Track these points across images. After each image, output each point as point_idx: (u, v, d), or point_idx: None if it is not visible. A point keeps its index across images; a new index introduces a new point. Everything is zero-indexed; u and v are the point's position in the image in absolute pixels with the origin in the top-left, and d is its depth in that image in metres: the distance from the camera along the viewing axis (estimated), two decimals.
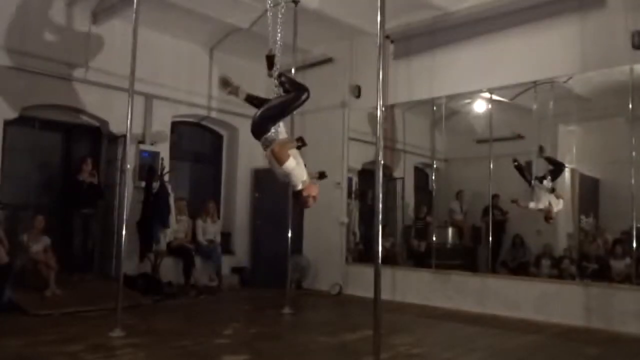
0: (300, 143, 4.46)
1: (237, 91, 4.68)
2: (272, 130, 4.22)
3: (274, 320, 6.42)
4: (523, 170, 7.56)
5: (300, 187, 4.19)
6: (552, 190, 7.32)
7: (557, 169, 7.44)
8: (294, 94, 4.32)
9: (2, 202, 7.00)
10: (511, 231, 8.31)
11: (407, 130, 9.41)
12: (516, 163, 7.59)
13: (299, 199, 4.30)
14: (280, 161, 4.10)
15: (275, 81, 4.39)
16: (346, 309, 7.42)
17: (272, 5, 4.75)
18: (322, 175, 4.63)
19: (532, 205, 7.35)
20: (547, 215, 7.26)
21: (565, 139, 7.92)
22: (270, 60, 4.49)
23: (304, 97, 4.30)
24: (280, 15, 4.64)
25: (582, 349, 5.18)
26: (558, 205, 7.30)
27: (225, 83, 4.75)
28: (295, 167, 4.17)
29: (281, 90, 4.39)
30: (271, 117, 4.25)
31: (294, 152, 4.21)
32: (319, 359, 4.67)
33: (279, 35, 4.61)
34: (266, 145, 4.21)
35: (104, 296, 6.55)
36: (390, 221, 9.23)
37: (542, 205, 7.25)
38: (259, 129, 4.23)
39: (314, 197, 4.26)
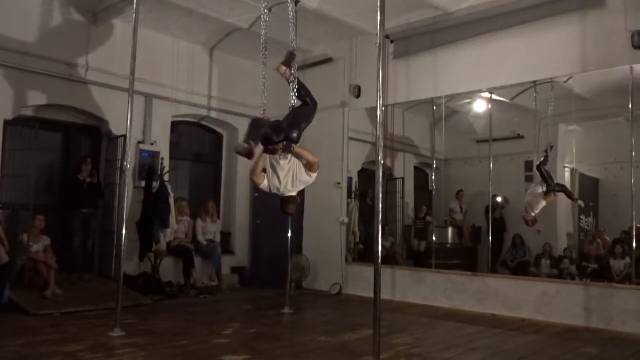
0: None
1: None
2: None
3: (274, 320, 6.41)
4: None
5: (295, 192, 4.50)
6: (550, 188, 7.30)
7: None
8: (313, 109, 4.66)
9: (2, 202, 7.00)
10: (511, 231, 8.32)
11: (407, 130, 9.42)
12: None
13: (295, 202, 4.55)
14: (317, 168, 4.42)
15: (292, 86, 4.61)
16: (346, 309, 7.42)
17: (266, 10, 4.80)
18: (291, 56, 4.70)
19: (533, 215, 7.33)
20: (527, 218, 7.27)
21: (565, 139, 7.93)
22: (290, 57, 4.59)
23: (315, 112, 4.73)
24: (291, 14, 4.69)
25: (582, 349, 5.17)
26: (539, 207, 7.26)
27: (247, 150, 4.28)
28: None
29: (296, 94, 4.63)
30: (303, 129, 4.54)
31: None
32: (319, 359, 4.67)
33: (293, 35, 4.68)
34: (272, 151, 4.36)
35: (104, 296, 6.56)
36: (390, 221, 9.24)
37: (536, 210, 7.25)
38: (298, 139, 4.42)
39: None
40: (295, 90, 4.63)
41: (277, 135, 4.34)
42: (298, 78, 4.67)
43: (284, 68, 4.68)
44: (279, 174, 4.38)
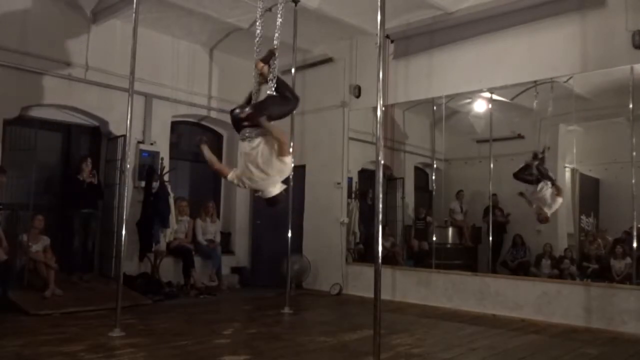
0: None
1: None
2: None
3: (274, 320, 6.41)
4: (526, 197, 7.58)
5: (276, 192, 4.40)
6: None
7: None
8: (294, 103, 4.63)
9: (2, 202, 6.99)
10: (512, 231, 8.31)
11: (407, 130, 9.42)
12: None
13: (278, 199, 4.45)
14: (286, 151, 4.30)
15: (271, 82, 4.51)
16: (346, 309, 7.42)
17: (260, 8, 4.79)
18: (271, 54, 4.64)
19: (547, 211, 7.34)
20: (540, 217, 7.31)
21: (565, 139, 7.93)
22: (270, 55, 4.54)
23: (296, 106, 4.71)
24: (279, 14, 4.67)
25: (582, 349, 5.17)
26: (556, 205, 7.29)
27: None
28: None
29: (275, 93, 4.52)
30: (274, 114, 4.45)
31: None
32: (319, 359, 4.67)
33: (277, 34, 4.64)
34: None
35: (104, 296, 6.56)
36: (390, 221, 9.23)
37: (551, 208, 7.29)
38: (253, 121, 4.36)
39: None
40: (273, 89, 4.49)
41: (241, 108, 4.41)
42: (278, 77, 4.59)
43: (261, 64, 4.54)
44: (247, 162, 4.33)
